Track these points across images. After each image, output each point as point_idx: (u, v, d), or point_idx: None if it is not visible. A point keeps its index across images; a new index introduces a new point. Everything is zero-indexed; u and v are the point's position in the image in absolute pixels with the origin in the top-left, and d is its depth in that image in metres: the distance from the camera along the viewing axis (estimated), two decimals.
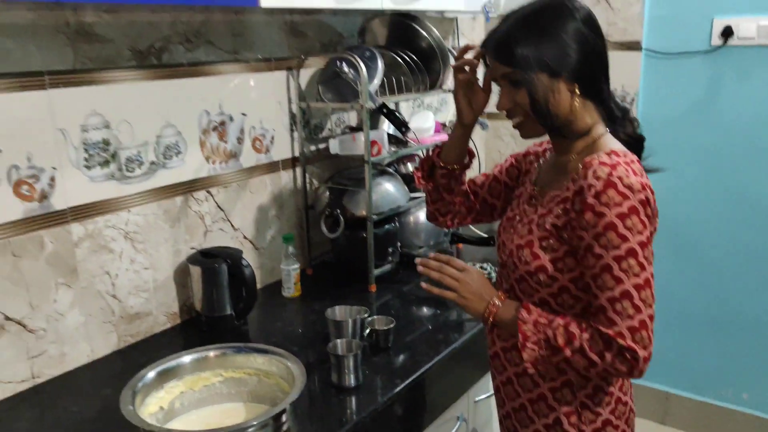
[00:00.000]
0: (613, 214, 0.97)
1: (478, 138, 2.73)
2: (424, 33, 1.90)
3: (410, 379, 1.34)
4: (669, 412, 2.59)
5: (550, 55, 1.02)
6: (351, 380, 1.29)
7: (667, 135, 2.36)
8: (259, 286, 1.83)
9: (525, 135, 1.13)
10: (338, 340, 1.34)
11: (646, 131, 1.16)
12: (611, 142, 1.08)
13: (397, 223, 1.89)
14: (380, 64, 1.74)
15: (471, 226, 2.39)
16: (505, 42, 1.05)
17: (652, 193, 1.01)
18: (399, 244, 1.90)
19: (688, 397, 2.54)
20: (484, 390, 1.65)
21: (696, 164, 2.35)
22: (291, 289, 1.76)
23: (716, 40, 2.21)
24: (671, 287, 2.41)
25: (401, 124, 1.68)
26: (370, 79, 1.72)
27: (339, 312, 1.45)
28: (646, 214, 0.98)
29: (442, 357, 1.44)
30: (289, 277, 1.75)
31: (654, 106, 2.36)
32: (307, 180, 1.92)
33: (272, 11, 1.72)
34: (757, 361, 2.38)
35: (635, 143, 1.12)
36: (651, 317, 0.98)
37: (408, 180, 1.99)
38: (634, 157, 1.05)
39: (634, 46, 2.36)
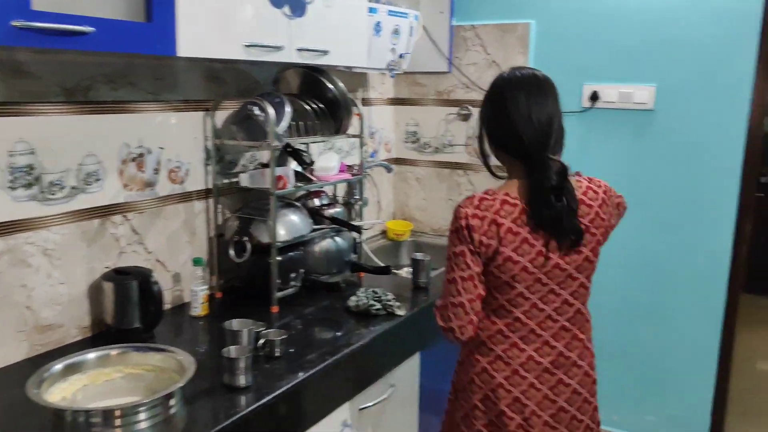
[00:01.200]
0: (449, 229, 1.45)
1: (386, 180, 3.00)
2: (330, 85, 2.16)
3: (294, 383, 1.53)
4: None
5: (482, 115, 1.51)
6: (241, 381, 1.47)
7: None
8: (169, 306, 1.99)
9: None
10: (232, 346, 1.53)
11: None
12: (504, 189, 1.43)
13: (301, 251, 2.10)
14: (288, 109, 1.98)
15: (372, 256, 2.63)
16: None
17: (487, 225, 1.38)
18: (303, 270, 2.11)
19: None
20: (370, 399, 1.86)
21: None
22: (198, 308, 1.93)
23: (586, 103, 2.59)
24: None
25: (303, 162, 1.92)
26: (278, 122, 1.96)
27: (236, 324, 1.64)
28: (460, 236, 1.41)
29: (326, 366, 1.64)
30: (197, 297, 1.92)
31: None
32: (220, 210, 2.12)
33: (193, 59, 1.93)
34: (624, 386, 2.69)
35: (538, 203, 1.39)
36: (453, 304, 1.43)
37: (314, 213, 2.22)
38: (500, 198, 1.40)
39: None
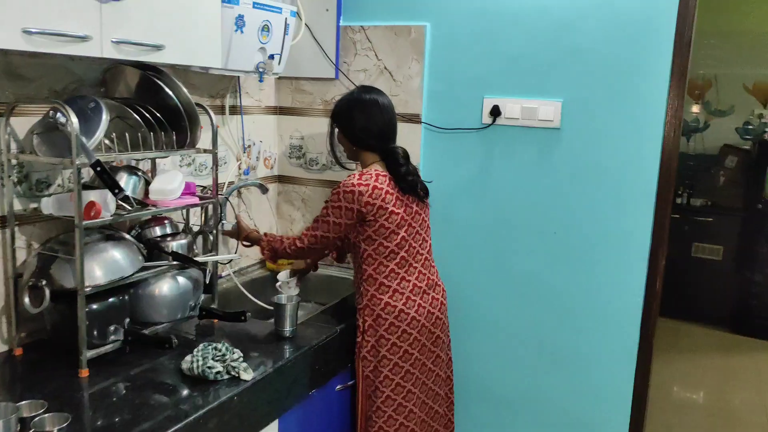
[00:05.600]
0: (332, 191, 1.92)
1: (266, 201, 2.61)
2: (168, 90, 1.74)
3: None
4: None
5: (344, 122, 2.03)
6: None
7: (448, 206, 2.37)
8: None
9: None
10: None
11: (432, 202, 2.12)
12: (371, 169, 1.94)
13: (126, 296, 1.67)
14: (104, 117, 1.56)
15: (245, 291, 2.24)
16: (334, 107, 2.07)
17: (371, 190, 1.87)
18: (128, 320, 1.67)
19: None
20: None
21: (473, 234, 2.37)
22: None
23: (486, 119, 2.28)
24: (458, 357, 2.34)
25: (113, 186, 1.49)
26: (91, 132, 1.53)
27: None
28: (344, 196, 1.87)
29: None
30: None
31: (435, 177, 2.36)
32: (24, 243, 1.67)
33: None
34: None
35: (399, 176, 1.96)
36: (320, 235, 1.92)
37: (152, 245, 1.79)
38: (374, 173, 1.91)
39: (414, 119, 2.37)
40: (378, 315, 1.92)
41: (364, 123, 1.96)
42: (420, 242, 1.99)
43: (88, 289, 1.53)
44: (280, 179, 2.68)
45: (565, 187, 2.21)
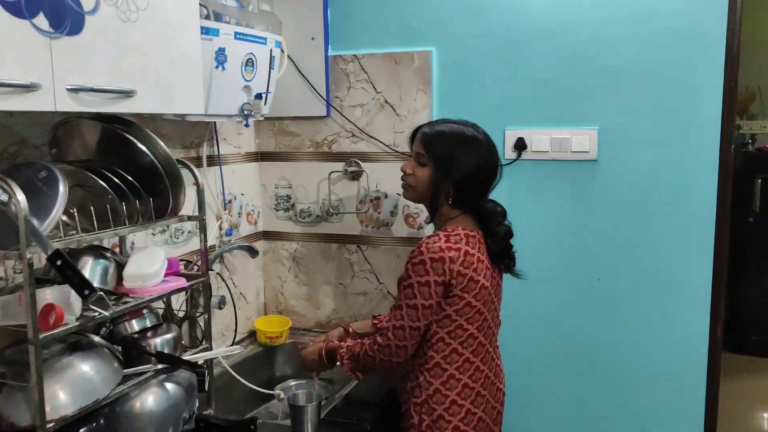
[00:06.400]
0: (410, 262, 1.47)
1: (251, 264, 2.23)
2: (142, 145, 1.36)
3: None
4: None
5: (450, 163, 1.52)
6: None
7: None
8: None
9: (405, 195, 1.64)
10: None
11: None
12: (459, 226, 1.52)
13: (101, 421, 1.27)
14: (61, 188, 1.17)
15: (236, 375, 1.84)
16: (430, 134, 1.56)
17: (463, 256, 1.45)
18: None
19: None
20: None
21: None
22: None
23: (510, 153, 1.98)
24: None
25: (83, 286, 1.09)
26: (44, 212, 1.14)
27: None
28: (432, 267, 1.43)
29: None
30: None
31: None
32: None
33: None
34: None
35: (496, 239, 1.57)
36: (412, 327, 1.46)
37: (129, 345, 1.40)
38: (463, 233, 1.49)
39: None
40: (440, 416, 1.51)
41: (476, 168, 1.52)
42: (495, 319, 1.60)
43: (51, 425, 1.12)
44: (266, 236, 2.31)
45: (607, 226, 1.92)
